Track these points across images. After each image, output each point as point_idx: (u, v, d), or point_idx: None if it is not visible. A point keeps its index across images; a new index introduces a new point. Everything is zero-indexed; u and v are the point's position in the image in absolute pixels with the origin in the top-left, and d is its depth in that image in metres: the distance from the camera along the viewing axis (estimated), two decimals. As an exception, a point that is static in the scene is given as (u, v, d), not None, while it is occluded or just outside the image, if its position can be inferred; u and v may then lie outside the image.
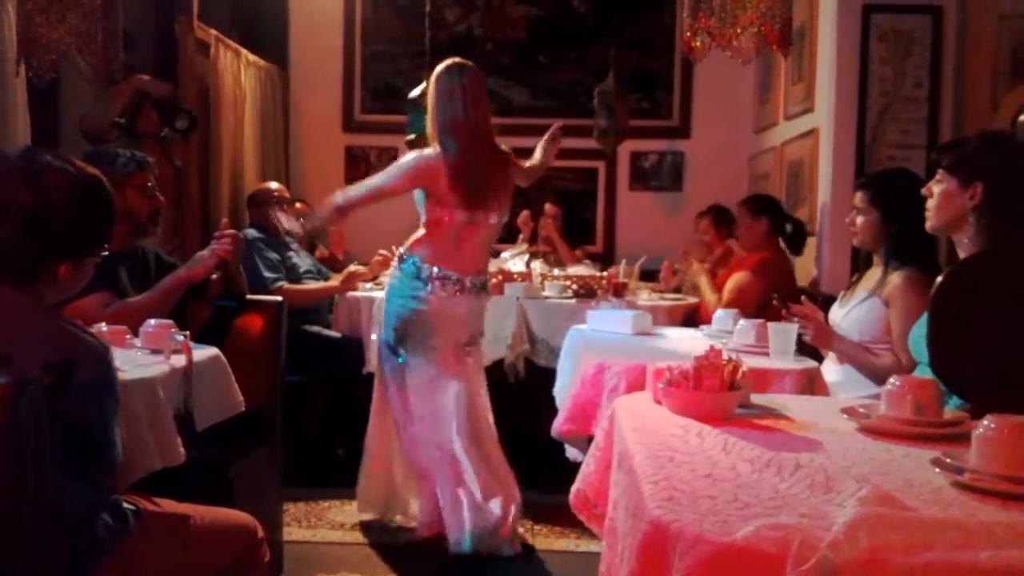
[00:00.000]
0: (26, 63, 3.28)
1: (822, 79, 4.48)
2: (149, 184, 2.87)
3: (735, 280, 4.23)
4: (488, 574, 3.09)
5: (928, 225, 2.21)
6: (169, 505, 1.90)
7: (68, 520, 1.62)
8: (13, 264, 1.64)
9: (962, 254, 2.13)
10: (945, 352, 1.85)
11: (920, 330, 2.07)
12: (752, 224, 4.33)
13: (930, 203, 2.18)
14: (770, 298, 3.02)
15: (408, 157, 3.27)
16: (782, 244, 4.38)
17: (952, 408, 1.79)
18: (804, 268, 4.63)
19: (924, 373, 2.02)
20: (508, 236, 5.24)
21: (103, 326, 2.25)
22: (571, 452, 3.07)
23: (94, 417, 1.63)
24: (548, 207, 5.67)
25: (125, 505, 1.78)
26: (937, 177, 2.16)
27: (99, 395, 1.63)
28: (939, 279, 1.90)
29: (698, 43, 3.10)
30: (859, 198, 2.85)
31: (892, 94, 4.23)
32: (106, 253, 1.78)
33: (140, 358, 2.19)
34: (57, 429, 1.51)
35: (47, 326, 1.64)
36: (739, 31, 3.00)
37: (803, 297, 2.86)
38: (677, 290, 4.86)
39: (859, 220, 2.84)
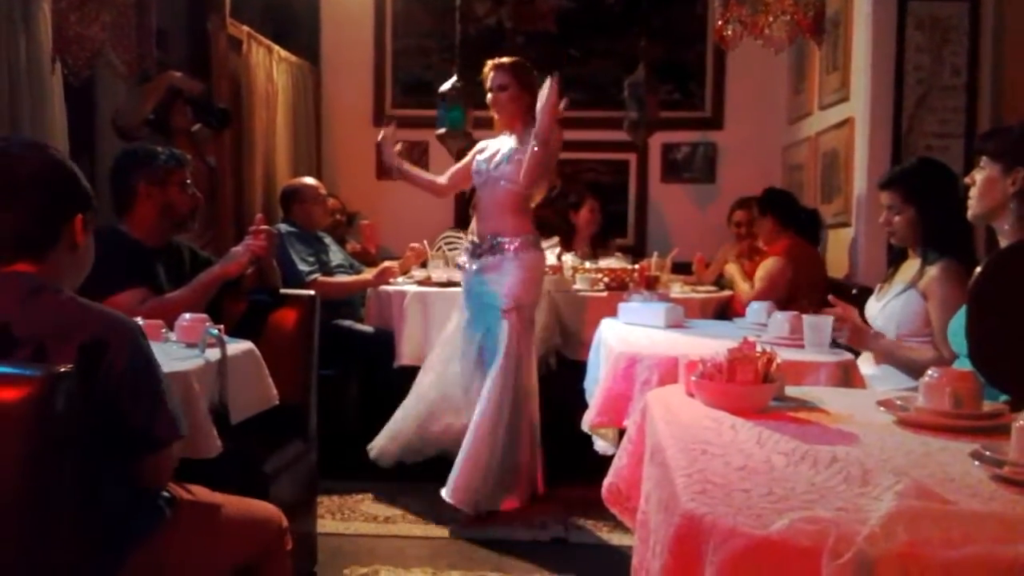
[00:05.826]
0: (61, 61, 3.32)
1: (857, 68, 4.41)
2: (188, 181, 2.90)
3: (764, 267, 4.34)
4: (523, 566, 3.10)
5: (970, 213, 2.18)
6: (202, 493, 1.92)
7: (106, 509, 1.64)
8: (32, 236, 1.65)
9: (1003, 243, 2.09)
10: (984, 343, 1.82)
11: (959, 322, 2.04)
12: (761, 220, 4.54)
13: (972, 191, 2.15)
14: (802, 286, 3.00)
15: None
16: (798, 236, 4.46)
17: (992, 401, 1.76)
18: (839, 260, 4.57)
19: (964, 365, 1.99)
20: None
21: (139, 320, 2.27)
22: (600, 445, 3.06)
23: (128, 398, 1.62)
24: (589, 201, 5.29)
25: (162, 493, 1.80)
26: (980, 164, 2.13)
27: (134, 376, 1.62)
28: (978, 269, 1.87)
29: (730, 32, 3.08)
30: (891, 197, 2.81)
31: (929, 83, 4.16)
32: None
33: (175, 352, 2.21)
34: (92, 416, 1.52)
35: (76, 311, 1.63)
36: (771, 19, 2.98)
37: (830, 296, 2.80)
38: (718, 284, 4.81)
39: (896, 219, 2.80)
